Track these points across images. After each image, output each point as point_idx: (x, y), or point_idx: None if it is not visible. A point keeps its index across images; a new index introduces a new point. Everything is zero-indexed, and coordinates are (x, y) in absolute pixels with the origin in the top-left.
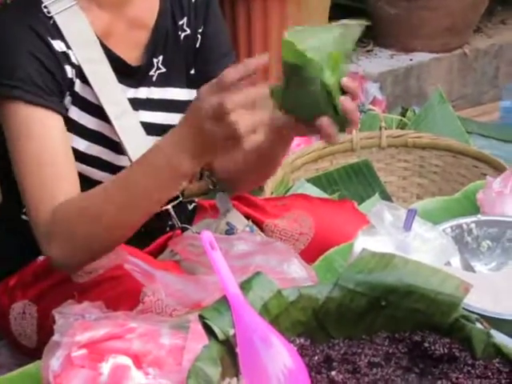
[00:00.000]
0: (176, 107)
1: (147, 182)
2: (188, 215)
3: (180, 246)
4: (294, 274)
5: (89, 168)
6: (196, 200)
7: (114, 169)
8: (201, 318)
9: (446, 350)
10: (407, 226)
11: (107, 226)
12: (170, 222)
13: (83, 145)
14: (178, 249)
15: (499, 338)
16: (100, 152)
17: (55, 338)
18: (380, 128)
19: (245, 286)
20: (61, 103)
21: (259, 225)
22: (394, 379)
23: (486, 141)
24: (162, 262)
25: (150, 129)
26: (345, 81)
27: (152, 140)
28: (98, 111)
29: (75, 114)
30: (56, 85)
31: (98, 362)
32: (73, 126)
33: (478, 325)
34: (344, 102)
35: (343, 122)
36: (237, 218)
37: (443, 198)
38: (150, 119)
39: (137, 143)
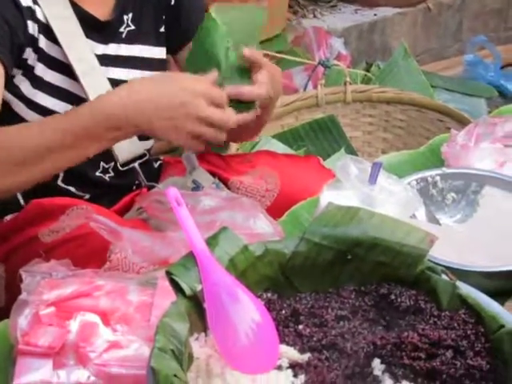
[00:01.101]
0: (144, 64)
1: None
2: (154, 173)
3: (146, 202)
4: (261, 230)
5: None
6: (161, 157)
7: None
8: (168, 274)
9: (411, 302)
10: (372, 180)
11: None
12: (136, 181)
13: (50, 102)
14: (144, 205)
15: (464, 289)
16: (68, 109)
17: (23, 296)
18: (345, 83)
19: (211, 242)
20: (11, 57)
21: (225, 182)
22: (361, 332)
23: (450, 95)
24: (129, 219)
25: (118, 85)
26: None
27: None
28: (65, 68)
29: (41, 71)
30: (13, 40)
31: (66, 319)
32: (39, 84)
33: (444, 276)
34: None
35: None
36: (203, 176)
37: (408, 152)
38: (119, 76)
39: None
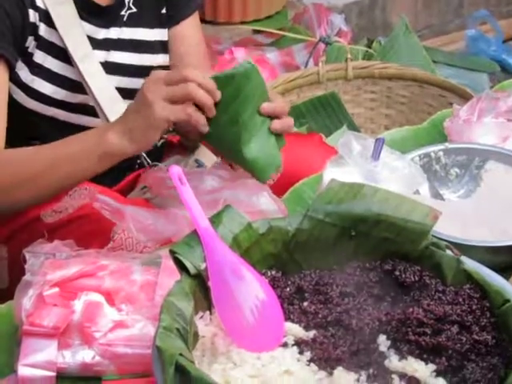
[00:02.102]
0: (146, 48)
1: (75, 147)
2: (157, 152)
3: (150, 179)
4: (264, 207)
5: (55, 110)
6: (165, 136)
7: (80, 110)
8: (172, 252)
9: (416, 278)
10: (375, 156)
11: (27, 180)
12: (138, 160)
13: (49, 89)
14: (148, 183)
15: (469, 264)
16: (66, 96)
17: (26, 277)
18: (346, 60)
19: (215, 220)
20: (13, 50)
21: None
22: (366, 308)
23: (452, 70)
24: (132, 199)
25: (120, 69)
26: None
27: (117, 80)
28: (63, 54)
29: (41, 57)
30: (15, 32)
31: (71, 299)
32: (38, 71)
33: (448, 252)
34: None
35: None
36: (205, 155)
37: (411, 128)
38: (121, 59)
39: (101, 85)
